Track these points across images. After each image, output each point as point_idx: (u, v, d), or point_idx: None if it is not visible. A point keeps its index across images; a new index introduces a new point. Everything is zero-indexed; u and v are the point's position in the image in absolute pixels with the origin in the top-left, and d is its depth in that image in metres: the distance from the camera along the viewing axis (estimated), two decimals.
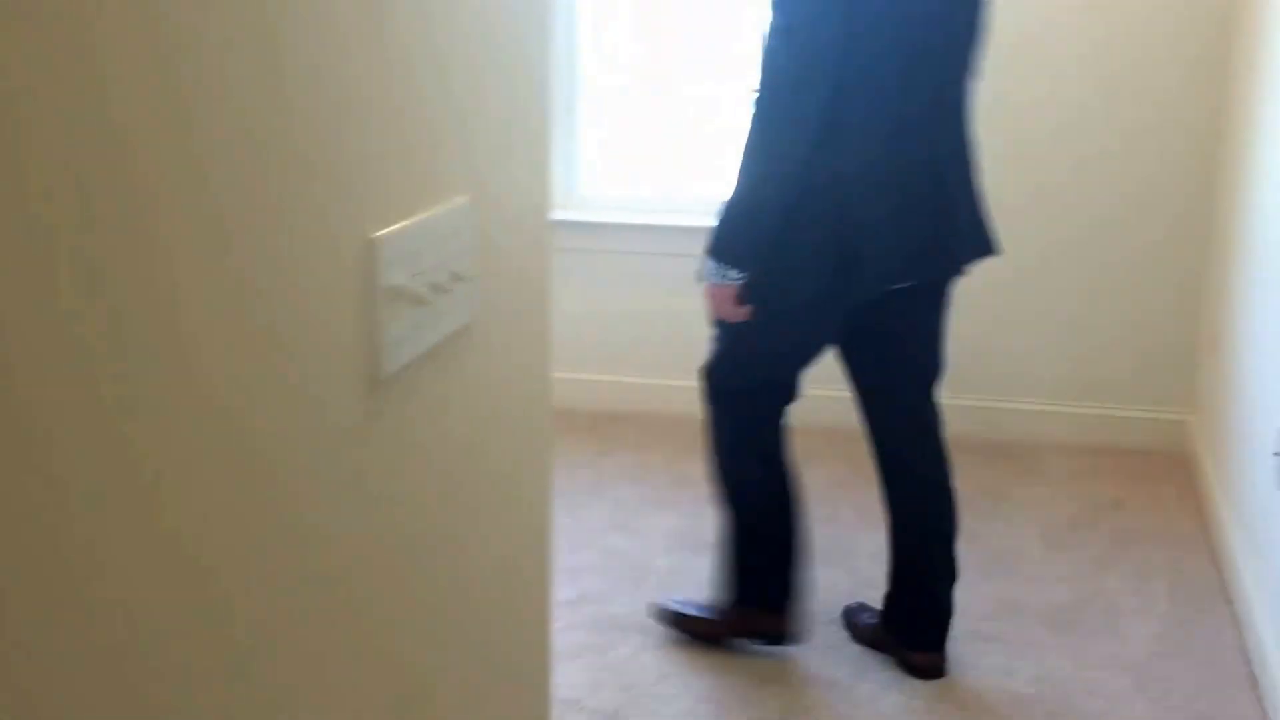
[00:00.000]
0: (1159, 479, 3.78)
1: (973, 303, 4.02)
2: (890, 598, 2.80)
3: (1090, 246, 3.92)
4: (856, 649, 2.85)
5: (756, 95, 2.40)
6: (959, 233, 2.57)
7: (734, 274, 2.50)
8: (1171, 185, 3.82)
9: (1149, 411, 3.99)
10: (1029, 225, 3.93)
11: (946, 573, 2.75)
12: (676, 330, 4.09)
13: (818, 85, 2.36)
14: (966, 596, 2.93)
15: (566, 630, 2.87)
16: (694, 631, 2.85)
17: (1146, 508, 3.59)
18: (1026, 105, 3.85)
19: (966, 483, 3.76)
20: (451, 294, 1.12)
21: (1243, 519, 3.03)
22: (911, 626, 2.76)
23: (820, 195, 2.43)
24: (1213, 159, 3.77)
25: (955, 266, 2.61)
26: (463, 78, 1.13)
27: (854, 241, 2.46)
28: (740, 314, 2.54)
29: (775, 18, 2.38)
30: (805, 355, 2.68)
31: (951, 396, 4.12)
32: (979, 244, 2.62)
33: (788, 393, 2.73)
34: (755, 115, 2.41)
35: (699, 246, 2.58)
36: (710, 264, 2.53)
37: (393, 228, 1.00)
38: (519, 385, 1.32)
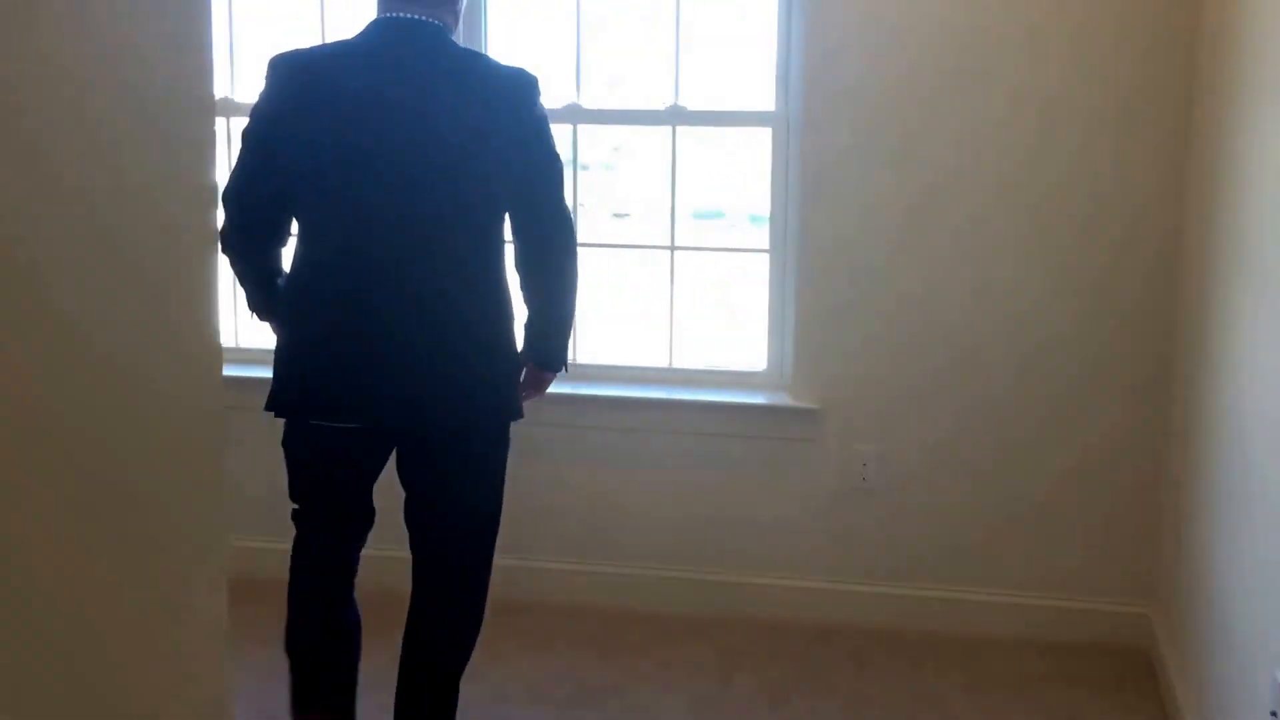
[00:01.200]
0: (1121, 687, 3.33)
1: (926, 489, 3.61)
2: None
3: (1048, 427, 3.55)
4: None
5: None
6: (407, 391, 2.45)
7: None
8: (1131, 370, 3.50)
9: (1107, 604, 3.58)
10: (983, 403, 3.58)
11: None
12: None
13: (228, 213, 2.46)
14: None
15: None
16: None
17: None
18: (983, 293, 3.53)
19: (904, 690, 3.28)
20: None
21: None
22: None
23: (282, 307, 2.52)
24: (1170, 343, 3.44)
25: (398, 420, 2.49)
26: None
27: (286, 361, 2.49)
28: None
29: None
30: (301, 477, 2.57)
31: (892, 585, 3.71)
32: (446, 412, 2.49)
33: (311, 523, 2.60)
34: None
35: None
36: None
37: None
38: None
